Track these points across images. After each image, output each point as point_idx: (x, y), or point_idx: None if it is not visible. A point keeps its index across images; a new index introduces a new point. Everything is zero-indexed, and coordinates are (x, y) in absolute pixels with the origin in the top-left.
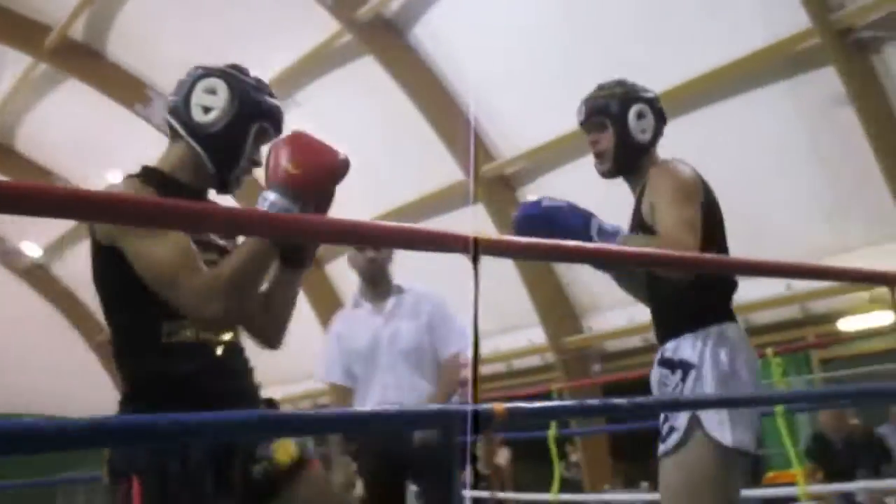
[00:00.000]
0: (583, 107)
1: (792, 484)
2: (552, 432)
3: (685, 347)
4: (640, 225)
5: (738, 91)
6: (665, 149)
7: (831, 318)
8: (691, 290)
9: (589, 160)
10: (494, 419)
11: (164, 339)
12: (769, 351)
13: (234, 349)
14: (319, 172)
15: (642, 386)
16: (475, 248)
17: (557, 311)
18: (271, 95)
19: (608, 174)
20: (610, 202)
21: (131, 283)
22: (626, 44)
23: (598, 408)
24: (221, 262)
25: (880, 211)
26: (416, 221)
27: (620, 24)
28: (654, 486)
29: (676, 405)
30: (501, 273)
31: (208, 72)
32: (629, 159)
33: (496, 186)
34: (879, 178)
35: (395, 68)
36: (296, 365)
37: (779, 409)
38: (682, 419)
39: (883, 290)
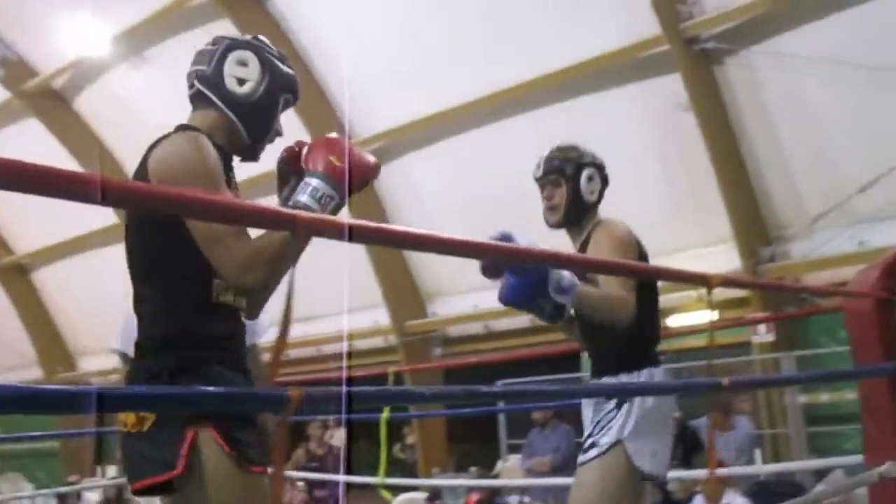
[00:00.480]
0: (542, 164)
1: None
2: (384, 415)
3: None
4: (583, 276)
5: (589, 90)
6: (522, 141)
7: (662, 314)
8: (628, 338)
9: (442, 147)
10: (289, 404)
11: (214, 299)
12: None
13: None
14: (359, 169)
15: (480, 371)
16: (294, 227)
17: (403, 293)
18: (291, 67)
19: (557, 225)
20: (456, 190)
21: (185, 241)
22: (483, 36)
23: (400, 394)
24: (264, 234)
25: (712, 214)
26: (261, 198)
27: (479, 17)
28: (482, 472)
29: (470, 393)
30: (350, 253)
31: (237, 43)
32: (577, 215)
33: None
34: (714, 183)
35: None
36: None
37: None
38: (607, 439)
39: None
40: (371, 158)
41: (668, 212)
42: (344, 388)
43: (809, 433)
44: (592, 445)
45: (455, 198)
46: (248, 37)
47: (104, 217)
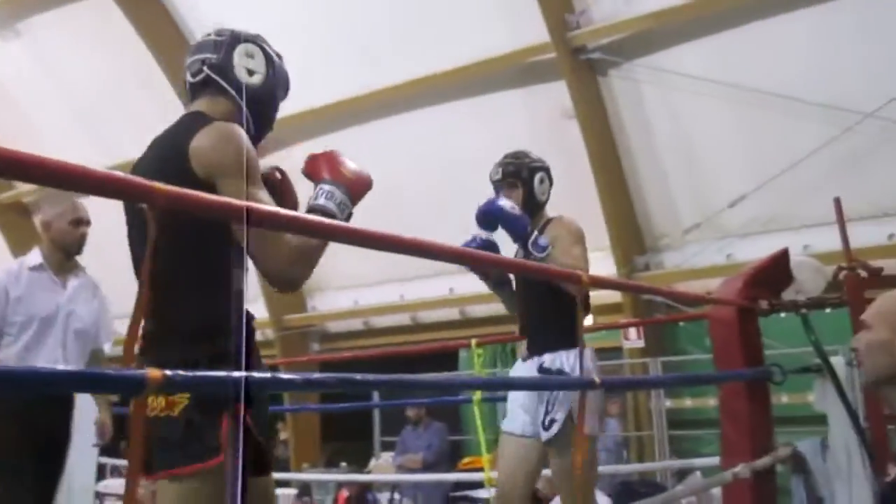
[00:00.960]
0: (500, 169)
1: (480, 469)
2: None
3: (561, 360)
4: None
5: (475, 92)
6: (406, 140)
7: None
8: (565, 317)
9: (324, 142)
10: (148, 385)
11: (217, 290)
12: (473, 342)
13: None
14: (365, 185)
15: (358, 369)
16: (152, 200)
17: None
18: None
19: None
20: None
21: (216, 237)
22: (370, 35)
23: (270, 382)
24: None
25: (591, 222)
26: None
27: (366, 16)
28: (354, 468)
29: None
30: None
31: (243, 36)
32: (532, 212)
33: None
34: (593, 192)
35: (135, 15)
36: None
37: (476, 397)
38: (561, 414)
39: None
40: (367, 172)
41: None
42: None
43: (672, 436)
44: (553, 422)
45: None
46: (249, 32)
47: None
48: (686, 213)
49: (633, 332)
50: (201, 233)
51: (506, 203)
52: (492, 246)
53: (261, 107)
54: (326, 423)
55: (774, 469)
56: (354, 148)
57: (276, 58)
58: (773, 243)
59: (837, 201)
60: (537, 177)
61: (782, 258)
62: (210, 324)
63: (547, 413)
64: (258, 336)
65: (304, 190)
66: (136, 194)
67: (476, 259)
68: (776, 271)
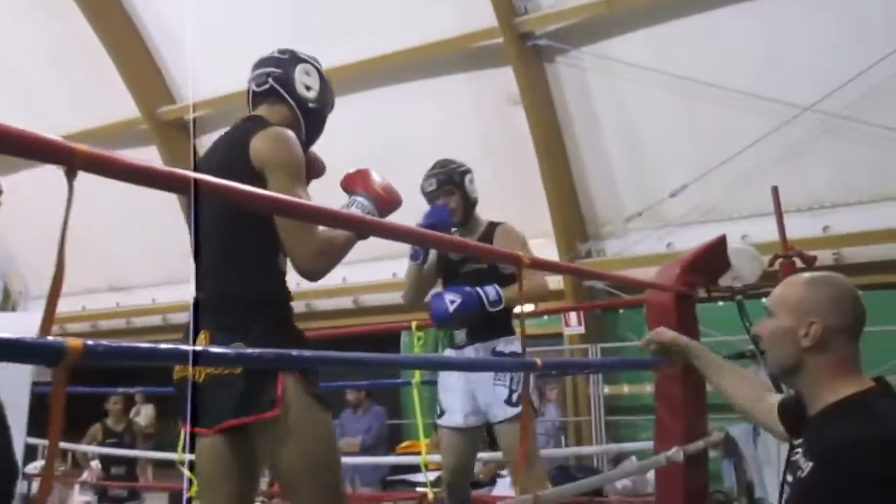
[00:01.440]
0: (433, 180)
1: (416, 453)
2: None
3: (513, 344)
4: (494, 267)
5: (422, 75)
6: (353, 121)
7: None
8: (506, 309)
9: None
10: (67, 355)
11: (279, 265)
12: (413, 324)
13: None
14: (394, 201)
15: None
16: (71, 162)
17: None
18: None
19: (458, 224)
20: None
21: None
22: (318, 15)
23: (200, 355)
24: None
25: (535, 208)
26: None
27: None
28: None
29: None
30: (169, 225)
31: (302, 56)
32: (470, 214)
33: (174, 130)
34: (538, 178)
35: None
36: None
37: (416, 379)
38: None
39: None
40: (397, 191)
41: (492, 203)
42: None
43: (609, 422)
44: (521, 399)
45: None
46: (306, 54)
47: None
48: (628, 202)
49: (573, 318)
50: (258, 216)
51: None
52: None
53: (313, 118)
54: None
55: (707, 453)
56: None
57: (326, 78)
58: (712, 233)
59: (775, 190)
60: (467, 178)
61: (720, 245)
62: (264, 295)
63: (512, 391)
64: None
65: None
66: (54, 154)
67: (426, 240)
68: (714, 258)
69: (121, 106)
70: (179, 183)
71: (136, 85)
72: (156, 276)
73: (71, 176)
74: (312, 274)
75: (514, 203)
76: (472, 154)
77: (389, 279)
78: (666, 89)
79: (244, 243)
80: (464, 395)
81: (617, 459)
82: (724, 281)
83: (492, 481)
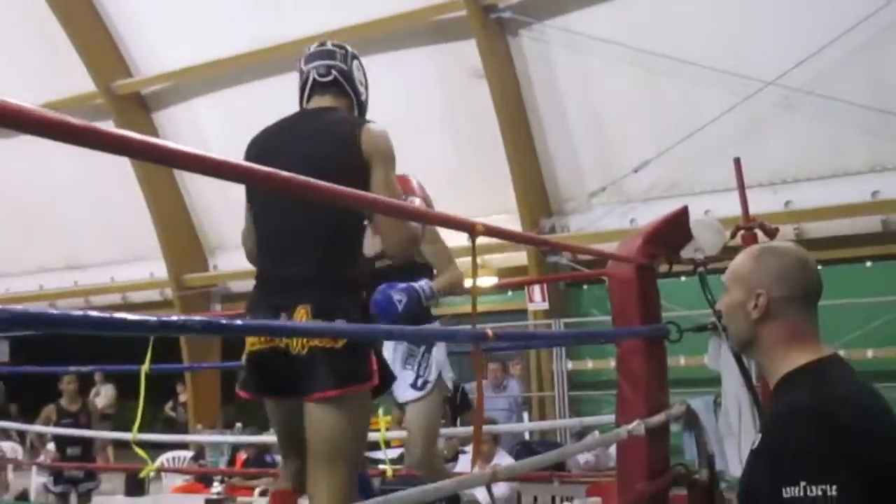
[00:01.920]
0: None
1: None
2: (145, 367)
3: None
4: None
5: (384, 48)
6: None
7: None
8: None
9: (229, 94)
10: None
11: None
12: None
13: None
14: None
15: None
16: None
17: (183, 246)
18: None
19: None
20: (244, 140)
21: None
22: None
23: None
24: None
25: (498, 184)
26: None
27: None
28: (253, 430)
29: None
30: (128, 200)
31: (353, 52)
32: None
33: (130, 104)
34: (501, 153)
35: None
36: None
37: None
38: (433, 375)
39: (490, 258)
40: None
41: (455, 177)
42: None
43: (572, 397)
44: (426, 383)
45: (241, 147)
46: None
47: None
48: (592, 177)
49: (537, 294)
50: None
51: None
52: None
53: (362, 112)
54: (227, 385)
55: (668, 426)
56: (257, 102)
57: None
58: (674, 208)
59: (737, 162)
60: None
61: (681, 216)
62: (356, 275)
63: (419, 376)
64: (156, 295)
65: None
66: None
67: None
68: (675, 229)
69: (76, 80)
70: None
71: (91, 58)
72: (114, 253)
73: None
74: (402, 256)
75: (477, 178)
76: (435, 128)
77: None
78: (629, 64)
79: (345, 227)
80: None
81: (580, 434)
82: (686, 253)
83: (455, 457)
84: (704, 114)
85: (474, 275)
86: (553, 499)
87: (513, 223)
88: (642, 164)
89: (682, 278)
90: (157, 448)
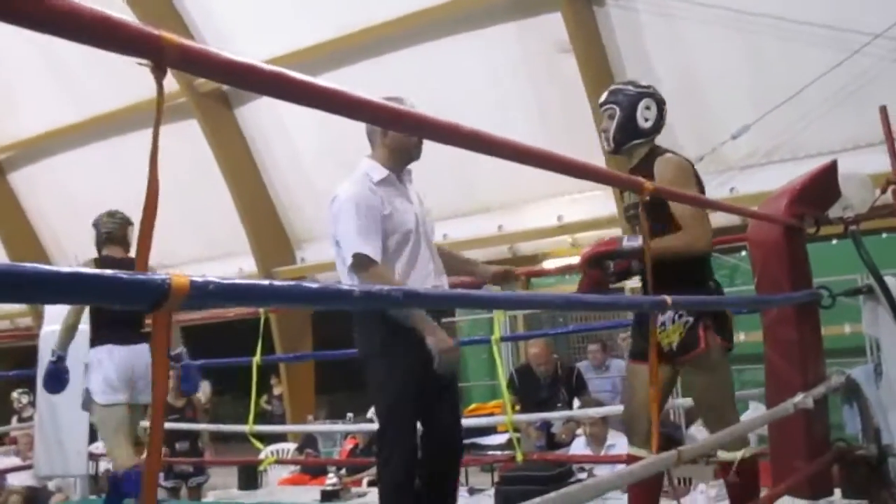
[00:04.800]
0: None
1: (492, 415)
2: (256, 359)
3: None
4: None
5: (468, 26)
6: (399, 76)
7: (537, 259)
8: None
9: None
10: (171, 295)
11: None
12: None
13: None
14: None
15: (350, 316)
16: (161, 55)
17: (270, 239)
18: None
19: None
20: (326, 131)
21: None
22: None
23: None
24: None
25: (589, 159)
26: None
27: None
28: (360, 418)
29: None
30: (214, 197)
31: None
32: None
33: (212, 101)
34: (591, 128)
35: None
36: None
37: (495, 336)
38: None
39: (582, 236)
40: None
41: None
42: None
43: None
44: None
45: (324, 139)
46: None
47: None
48: (688, 146)
49: None
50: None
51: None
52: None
53: None
54: (320, 376)
55: (826, 399)
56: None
57: None
58: (776, 175)
59: (883, 110)
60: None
61: (831, 172)
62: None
63: None
64: None
65: None
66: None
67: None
68: (823, 186)
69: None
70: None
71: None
72: (202, 250)
73: (160, 74)
74: (704, 251)
75: (566, 154)
76: (521, 105)
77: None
78: (723, 26)
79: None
80: None
81: (690, 412)
82: (834, 212)
83: (571, 440)
84: (806, 74)
85: (646, 237)
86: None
87: (605, 199)
88: (741, 129)
89: (833, 241)
90: (261, 441)
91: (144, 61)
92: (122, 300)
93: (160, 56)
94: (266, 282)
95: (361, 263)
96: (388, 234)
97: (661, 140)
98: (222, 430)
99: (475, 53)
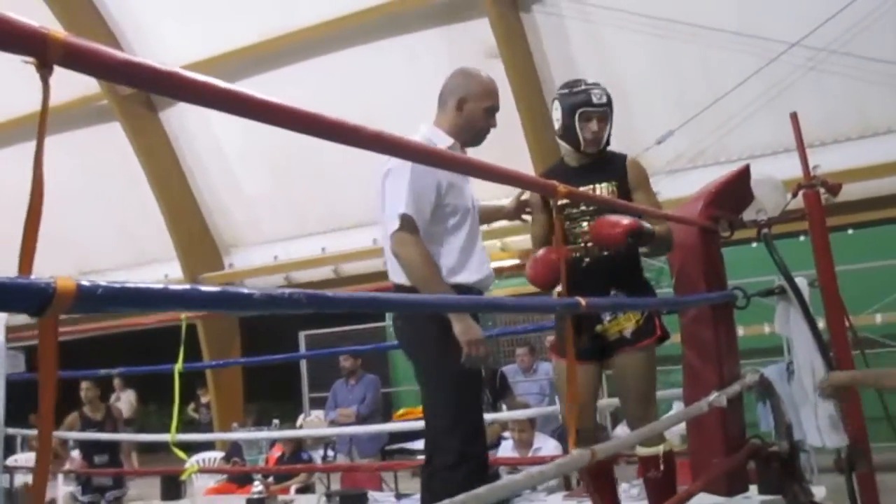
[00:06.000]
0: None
1: (420, 419)
2: (178, 367)
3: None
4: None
5: (396, 31)
6: (326, 81)
7: None
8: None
9: (242, 87)
10: (56, 299)
11: None
12: None
13: None
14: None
15: (281, 324)
16: (45, 52)
17: (197, 245)
18: None
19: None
20: (254, 136)
21: None
22: None
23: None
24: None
25: (519, 164)
26: None
27: None
28: (287, 424)
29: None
30: (139, 202)
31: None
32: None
33: (135, 105)
34: (520, 133)
35: None
36: None
37: None
38: None
39: (510, 240)
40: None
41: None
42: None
43: (609, 375)
44: None
45: (253, 143)
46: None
47: None
48: (614, 150)
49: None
50: None
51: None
52: None
53: None
54: (249, 384)
55: (742, 398)
56: (275, 92)
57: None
58: (701, 179)
59: (794, 117)
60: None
61: (744, 176)
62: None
63: None
64: None
65: None
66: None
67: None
68: (737, 189)
69: (81, 79)
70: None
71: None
72: (126, 257)
73: (45, 72)
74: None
75: (493, 159)
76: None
77: (370, 246)
78: (647, 33)
79: None
80: None
81: (615, 414)
82: (748, 215)
83: (497, 443)
84: (727, 80)
85: (559, 240)
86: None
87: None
88: (666, 134)
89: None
90: (186, 450)
91: (29, 59)
92: (3, 305)
93: (45, 53)
94: (159, 285)
95: (408, 224)
96: (450, 213)
97: None
98: (144, 441)
99: (402, 58)
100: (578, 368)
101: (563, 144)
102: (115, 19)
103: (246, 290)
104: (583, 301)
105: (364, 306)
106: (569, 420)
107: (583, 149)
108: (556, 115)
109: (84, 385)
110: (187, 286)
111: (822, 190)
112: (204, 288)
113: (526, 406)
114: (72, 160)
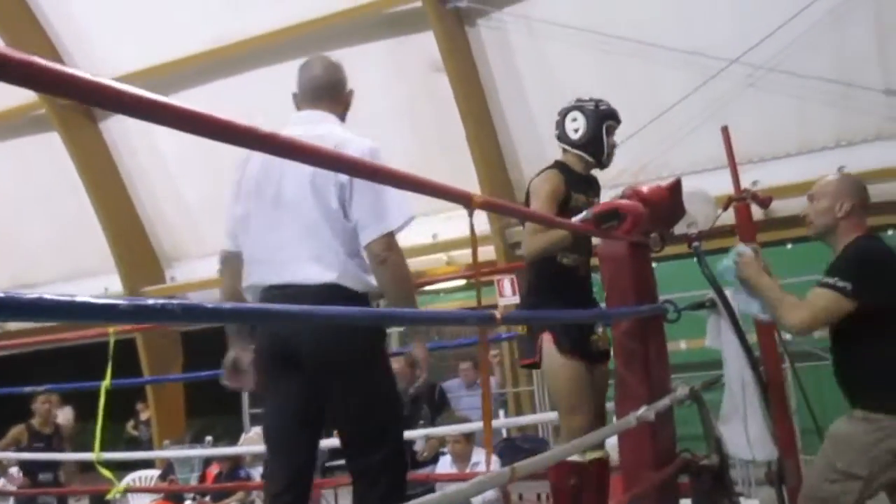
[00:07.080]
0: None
1: None
2: (106, 383)
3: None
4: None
5: (341, 43)
6: (270, 92)
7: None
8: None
9: (191, 94)
10: None
11: None
12: None
13: None
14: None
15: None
16: None
17: (137, 257)
18: None
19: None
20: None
21: None
22: None
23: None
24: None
25: (463, 176)
26: None
27: None
28: (223, 442)
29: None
30: (78, 213)
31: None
32: None
33: (75, 113)
34: (465, 145)
35: None
36: None
37: None
38: None
39: (456, 254)
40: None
41: (418, 170)
42: None
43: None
44: None
45: (195, 154)
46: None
47: None
48: None
49: (508, 288)
50: None
51: None
52: None
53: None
54: (191, 400)
55: (672, 411)
56: (218, 102)
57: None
58: None
59: (725, 131)
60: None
61: (675, 189)
62: None
63: None
64: None
65: None
66: None
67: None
68: (669, 203)
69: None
70: None
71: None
72: (64, 269)
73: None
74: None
75: (441, 171)
76: (396, 124)
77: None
78: (590, 48)
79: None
80: None
81: (559, 428)
82: (680, 229)
83: (434, 459)
84: (669, 96)
85: (475, 253)
86: (539, 496)
87: (480, 215)
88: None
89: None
90: (122, 468)
91: None
92: None
93: None
94: (27, 295)
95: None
96: None
97: (530, 157)
98: (73, 459)
99: (348, 70)
100: (594, 370)
101: (574, 153)
102: (56, 30)
103: (111, 301)
104: (498, 314)
105: (249, 319)
106: (486, 432)
107: (604, 160)
108: (576, 125)
109: (41, 398)
110: (56, 298)
111: (752, 204)
112: (65, 299)
113: (466, 420)
114: (9, 170)
